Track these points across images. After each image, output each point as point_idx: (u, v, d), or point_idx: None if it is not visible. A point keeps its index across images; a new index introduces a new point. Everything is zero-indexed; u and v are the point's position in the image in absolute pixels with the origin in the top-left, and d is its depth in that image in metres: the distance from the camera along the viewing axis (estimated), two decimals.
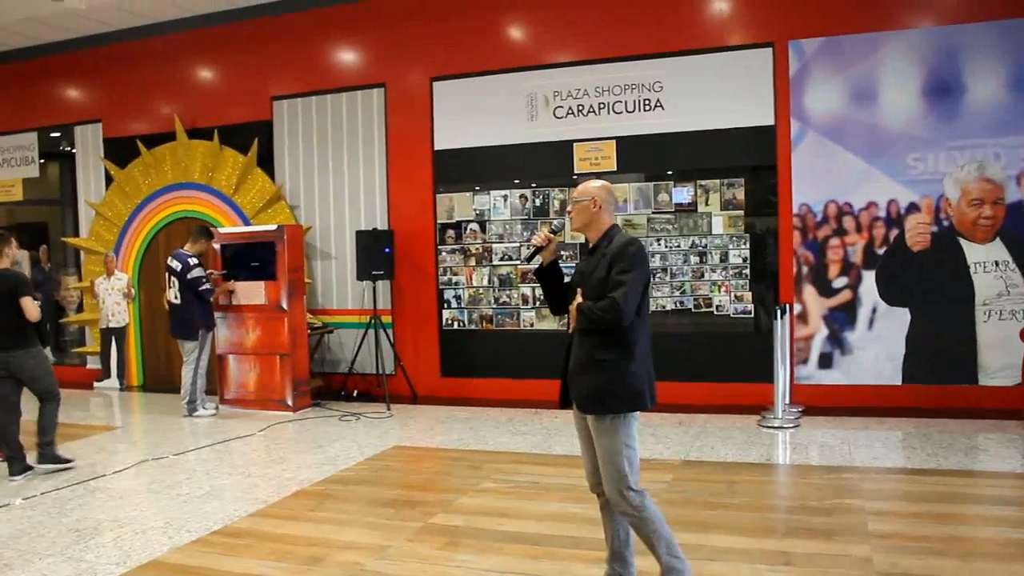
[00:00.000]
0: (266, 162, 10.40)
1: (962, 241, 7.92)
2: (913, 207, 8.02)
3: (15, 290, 6.43)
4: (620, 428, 3.63)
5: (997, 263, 7.83)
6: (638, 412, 3.68)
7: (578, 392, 3.70)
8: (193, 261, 8.89)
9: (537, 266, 3.96)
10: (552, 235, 3.87)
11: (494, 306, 9.48)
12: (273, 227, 9.28)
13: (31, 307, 6.47)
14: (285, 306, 9.05)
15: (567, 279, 3.97)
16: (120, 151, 11.16)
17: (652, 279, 3.76)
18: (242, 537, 5.03)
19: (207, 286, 8.88)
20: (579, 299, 3.68)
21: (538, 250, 3.89)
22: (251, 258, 9.24)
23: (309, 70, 10.18)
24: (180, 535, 5.06)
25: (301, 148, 10.29)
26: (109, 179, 11.26)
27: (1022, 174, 7.73)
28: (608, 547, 3.93)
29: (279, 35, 10.24)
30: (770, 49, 8.37)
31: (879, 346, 8.16)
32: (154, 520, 5.38)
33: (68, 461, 6.79)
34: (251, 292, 9.23)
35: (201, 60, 10.82)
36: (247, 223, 10.22)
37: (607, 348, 3.61)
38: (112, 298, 10.56)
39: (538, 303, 9.25)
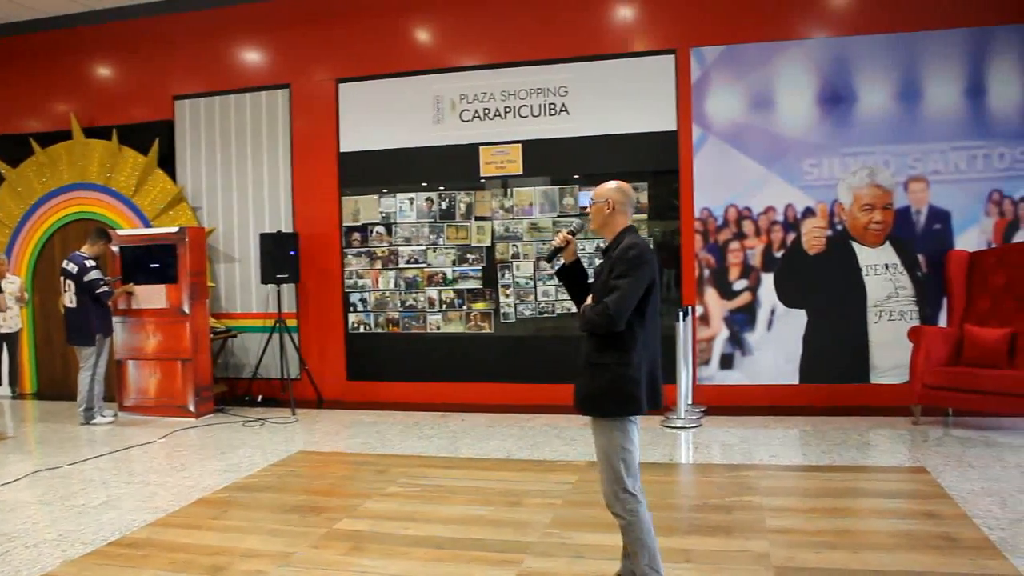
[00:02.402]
0: (168, 163, 10.14)
1: (854, 245, 8.21)
2: (809, 211, 8.28)
3: None
4: (616, 429, 3.65)
5: (887, 266, 8.15)
6: (638, 416, 3.70)
7: (576, 393, 3.73)
8: (90, 263, 8.63)
9: (559, 267, 3.95)
10: (571, 236, 3.87)
11: (400, 309, 9.44)
12: (174, 229, 9.07)
13: None
14: (187, 310, 8.87)
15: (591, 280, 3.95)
16: (11, 149, 10.72)
17: (660, 280, 3.74)
18: (140, 547, 4.89)
19: (105, 289, 8.63)
20: (588, 301, 3.70)
21: (557, 251, 3.87)
22: (151, 261, 9.01)
23: (212, 70, 9.98)
24: (74, 547, 4.90)
25: (204, 149, 10.08)
26: (0, 179, 10.84)
27: (909, 181, 8.06)
28: (624, 545, 3.93)
29: (181, 33, 10.01)
30: (673, 56, 8.55)
31: (777, 347, 8.40)
32: (46, 533, 5.20)
33: None
34: (151, 296, 9.00)
35: (99, 57, 10.49)
36: (147, 225, 9.96)
37: (603, 351, 3.62)
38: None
39: (444, 306, 9.26)
